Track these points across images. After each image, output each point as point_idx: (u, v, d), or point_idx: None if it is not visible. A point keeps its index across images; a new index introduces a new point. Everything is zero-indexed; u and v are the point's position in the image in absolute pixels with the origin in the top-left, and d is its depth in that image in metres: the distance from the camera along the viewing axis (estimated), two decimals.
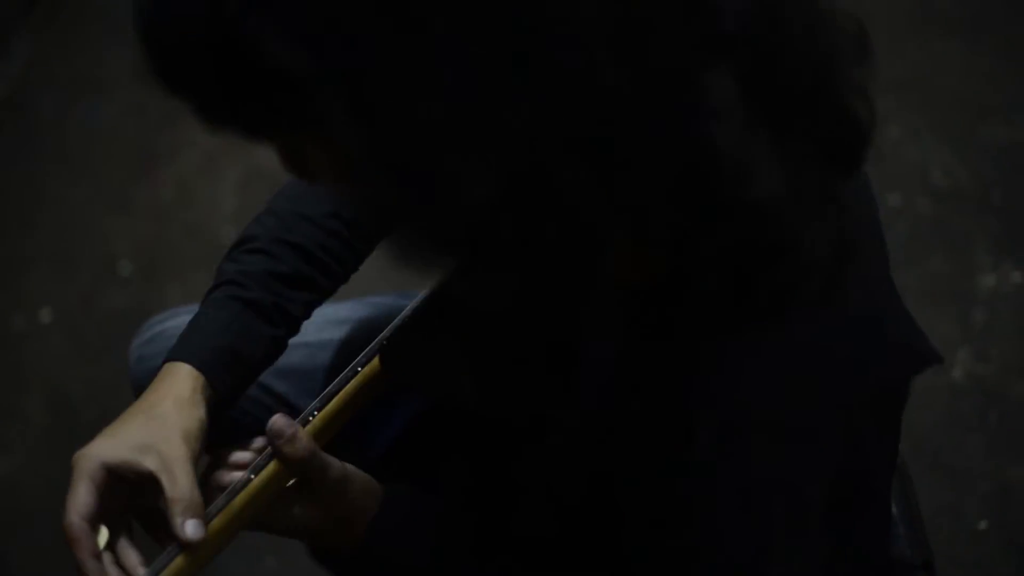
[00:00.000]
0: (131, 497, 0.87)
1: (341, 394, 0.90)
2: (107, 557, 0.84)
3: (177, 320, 1.19)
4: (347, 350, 0.94)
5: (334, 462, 0.85)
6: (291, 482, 0.85)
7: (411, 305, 0.93)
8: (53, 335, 2.25)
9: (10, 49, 2.76)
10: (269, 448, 0.84)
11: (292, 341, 1.02)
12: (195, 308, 0.99)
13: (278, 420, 0.83)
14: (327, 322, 1.18)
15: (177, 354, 0.93)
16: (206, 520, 0.82)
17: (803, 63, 0.62)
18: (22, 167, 2.56)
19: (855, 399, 0.72)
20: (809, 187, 0.63)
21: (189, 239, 2.29)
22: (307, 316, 1.02)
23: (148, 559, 0.82)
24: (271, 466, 0.84)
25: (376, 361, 0.92)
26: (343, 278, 1.05)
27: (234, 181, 2.34)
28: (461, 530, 0.92)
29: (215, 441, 0.92)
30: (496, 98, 0.54)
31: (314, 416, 0.88)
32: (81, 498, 0.83)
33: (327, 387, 0.91)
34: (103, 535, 0.85)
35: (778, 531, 0.71)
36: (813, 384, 0.69)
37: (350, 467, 0.86)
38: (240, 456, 0.91)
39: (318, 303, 1.03)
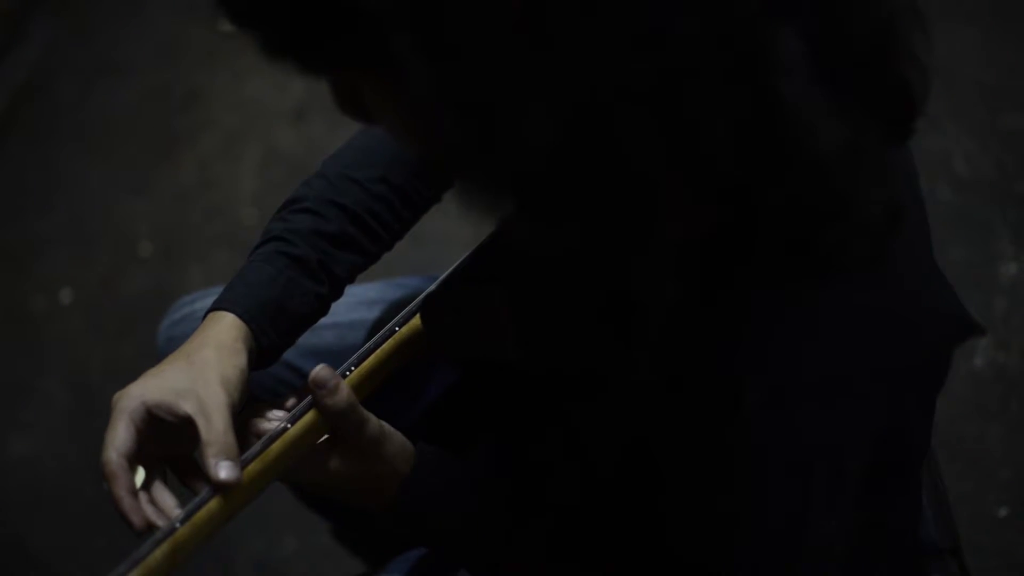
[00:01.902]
0: (167, 444, 0.87)
1: (378, 352, 0.90)
2: (142, 496, 0.84)
3: (206, 301, 1.19)
4: (378, 331, 0.94)
5: (372, 419, 0.85)
6: (324, 437, 0.85)
7: (454, 265, 0.93)
8: (73, 316, 2.26)
9: (28, 32, 2.76)
10: (307, 398, 0.84)
11: (322, 321, 1.02)
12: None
13: (321, 370, 0.82)
14: (358, 303, 1.18)
15: (221, 304, 0.93)
16: (241, 466, 0.82)
17: (866, 27, 0.62)
18: (42, 150, 2.56)
19: (901, 366, 0.72)
20: (866, 149, 0.64)
21: (209, 220, 2.29)
22: (351, 279, 1.02)
23: (183, 505, 0.82)
24: (309, 415, 0.83)
25: (415, 321, 0.92)
26: (388, 244, 1.06)
27: (254, 163, 2.34)
28: (493, 496, 0.92)
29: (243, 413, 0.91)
30: (561, 43, 0.55)
31: (350, 372, 0.88)
32: (120, 435, 0.83)
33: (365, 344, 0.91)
34: (140, 475, 0.85)
35: (817, 498, 0.71)
36: (861, 350, 0.70)
37: (387, 426, 0.86)
38: (275, 413, 0.90)
39: (362, 267, 1.03)
